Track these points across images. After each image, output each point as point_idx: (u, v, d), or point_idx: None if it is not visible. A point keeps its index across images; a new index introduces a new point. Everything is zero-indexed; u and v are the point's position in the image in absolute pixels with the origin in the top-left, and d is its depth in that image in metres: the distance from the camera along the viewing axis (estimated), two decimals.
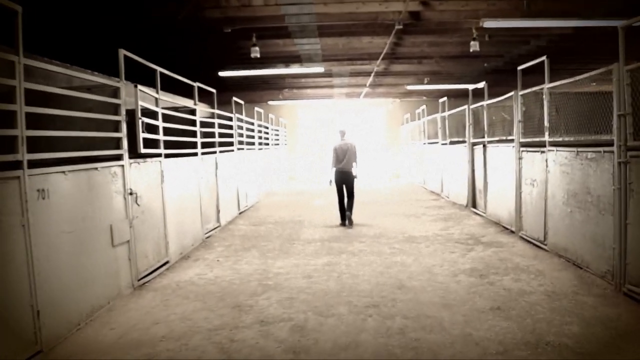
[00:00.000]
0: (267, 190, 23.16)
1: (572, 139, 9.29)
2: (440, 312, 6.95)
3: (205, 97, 14.55)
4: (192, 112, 12.14)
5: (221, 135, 14.85)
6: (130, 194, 8.20)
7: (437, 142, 21.18)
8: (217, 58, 16.89)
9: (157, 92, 9.70)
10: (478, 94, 16.37)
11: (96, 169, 7.30)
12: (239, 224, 14.71)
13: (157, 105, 9.66)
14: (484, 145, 14.67)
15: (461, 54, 16.76)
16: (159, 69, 9.74)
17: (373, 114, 35.32)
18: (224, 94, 17.28)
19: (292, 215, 16.18)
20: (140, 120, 8.45)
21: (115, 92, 8.04)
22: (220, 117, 15.35)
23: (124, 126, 8.09)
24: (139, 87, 8.66)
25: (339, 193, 14.33)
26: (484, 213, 14.71)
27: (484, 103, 14.51)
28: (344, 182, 14.24)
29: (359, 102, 33.06)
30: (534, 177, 10.95)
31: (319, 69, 18.04)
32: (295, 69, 18.30)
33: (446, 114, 19.33)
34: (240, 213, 16.56)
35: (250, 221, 15.23)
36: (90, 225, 7.05)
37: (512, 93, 12.08)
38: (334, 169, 14.21)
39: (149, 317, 7.07)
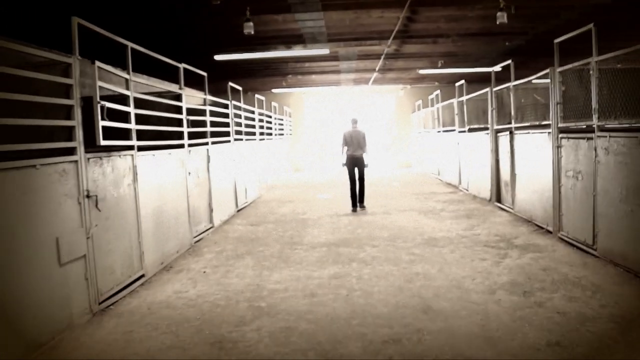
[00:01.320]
0: (270, 183, 21.53)
1: (630, 122, 7.64)
2: (483, 350, 5.28)
3: (201, 84, 12.91)
4: (177, 97, 10.51)
5: (215, 124, 13.24)
6: (88, 196, 6.56)
7: (453, 130, 19.49)
8: (211, 39, 15.23)
9: (128, 73, 8.04)
10: (499, 78, 14.70)
11: (34, 166, 5.64)
12: (235, 224, 13.08)
13: (127, 88, 8.00)
14: (511, 132, 13.00)
15: (481, 31, 15.05)
16: (131, 44, 8.09)
17: (382, 101, 33.76)
18: (223, 82, 15.59)
19: (296, 212, 14.56)
20: (99, 105, 6.78)
21: (66, 70, 6.40)
22: (214, 104, 13.76)
23: (77, 112, 6.44)
24: (99, 64, 6.99)
25: (351, 178, 14.78)
26: (512, 209, 13.05)
27: (511, 84, 12.81)
28: (356, 166, 14.71)
29: (367, 89, 31.38)
30: (577, 169, 9.27)
31: (324, 51, 16.34)
32: (298, 52, 16.61)
33: (464, 98, 17.61)
34: (238, 211, 14.95)
35: (249, 220, 13.61)
36: (23, 241, 5.40)
37: (547, 70, 10.40)
38: (347, 155, 14.68)
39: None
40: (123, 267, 7.50)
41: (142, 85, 9.27)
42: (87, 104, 6.77)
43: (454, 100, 19.18)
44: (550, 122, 10.37)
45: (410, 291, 7.25)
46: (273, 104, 24.23)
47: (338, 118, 32.98)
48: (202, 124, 12.12)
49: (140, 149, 8.35)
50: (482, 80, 17.93)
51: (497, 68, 14.98)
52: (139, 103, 8.58)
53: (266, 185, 20.49)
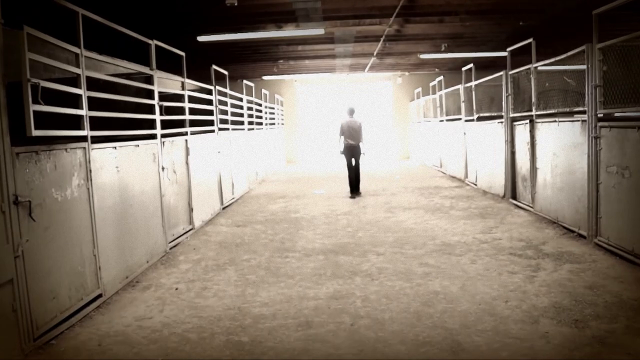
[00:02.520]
0: (261, 177, 20.01)
1: None
2: None
3: (189, 71, 11.36)
4: (149, 80, 8.98)
5: (196, 112, 11.72)
6: (16, 202, 5.03)
7: (459, 119, 17.98)
8: (193, 17, 13.66)
9: (79, 47, 6.49)
10: (505, 65, 13.22)
11: None
12: (219, 225, 11.57)
13: (78, 65, 6.46)
14: (531, 121, 11.50)
15: (494, 8, 13.58)
16: (83, 11, 6.55)
17: (379, 89, 32.31)
18: (209, 68, 13.98)
19: (288, 210, 13.05)
20: (29, 84, 5.23)
21: None
22: (197, 90, 12.27)
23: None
24: (30, 31, 5.42)
25: (349, 166, 15.32)
26: (531, 207, 11.58)
27: (533, 66, 11.30)
28: (353, 155, 15.25)
29: (363, 77, 29.89)
30: (623, 164, 7.77)
31: (318, 31, 14.75)
32: (289, 32, 15.04)
33: (473, 83, 16.08)
34: (223, 208, 13.43)
35: (235, 219, 12.09)
36: None
37: (583, 47, 8.89)
38: (344, 144, 15.21)
39: None
40: (72, 289, 5.97)
41: (105, 66, 7.77)
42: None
43: (460, 87, 17.66)
44: (585, 108, 8.88)
45: (431, 319, 5.76)
46: (263, 91, 22.63)
47: (333, 107, 31.63)
48: (180, 111, 10.61)
49: (97, 140, 6.82)
50: (485, 67, 16.48)
51: (511, 48, 13.38)
52: (99, 86, 7.09)
53: (256, 179, 18.97)
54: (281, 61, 22.19)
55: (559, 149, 10.12)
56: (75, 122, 6.37)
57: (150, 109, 8.90)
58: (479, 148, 15.63)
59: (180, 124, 10.57)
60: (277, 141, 25.96)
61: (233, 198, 14.60)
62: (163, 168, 9.16)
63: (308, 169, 25.46)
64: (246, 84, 18.23)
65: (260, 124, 20.77)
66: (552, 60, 10.35)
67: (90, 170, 6.48)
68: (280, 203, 14.31)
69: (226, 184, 13.90)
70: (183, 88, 10.75)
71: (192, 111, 11.37)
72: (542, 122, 10.96)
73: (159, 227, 8.85)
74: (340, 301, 6.39)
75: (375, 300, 6.40)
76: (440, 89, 21.05)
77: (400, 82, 30.04)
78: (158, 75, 9.22)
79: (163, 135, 9.29)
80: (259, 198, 15.45)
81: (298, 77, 29.65)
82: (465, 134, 17.17)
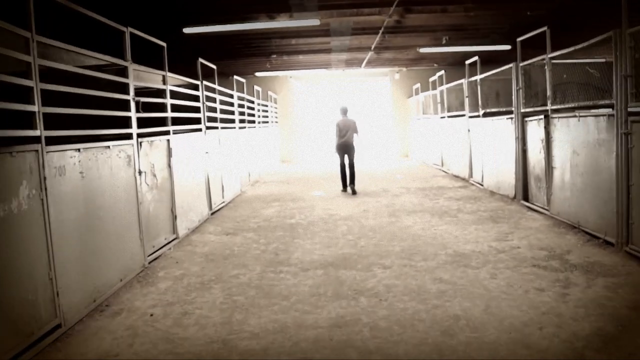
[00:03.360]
0: (254, 178, 18.96)
1: None
2: None
3: (176, 67, 10.32)
4: (122, 72, 7.95)
5: (181, 109, 10.71)
6: None
7: (462, 115, 16.97)
8: (179, 7, 12.65)
9: (31, 31, 5.44)
10: (503, 60, 12.17)
11: None
12: (206, 233, 10.55)
13: (30, 53, 5.42)
14: (546, 116, 10.51)
15: None
16: None
17: (376, 85, 31.38)
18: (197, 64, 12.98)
19: (283, 215, 12.03)
20: None
21: None
22: (179, 84, 11.29)
23: None
24: None
25: (341, 163, 15.51)
26: (546, 210, 10.61)
27: (548, 56, 10.30)
28: (346, 152, 15.38)
29: (360, 73, 28.85)
30: None
31: (313, 21, 13.72)
32: (282, 22, 14.01)
33: (478, 77, 15.07)
34: (212, 213, 12.40)
35: (224, 227, 11.07)
36: None
37: (609, 33, 7.90)
38: (338, 142, 15.35)
39: None
40: (20, 322, 4.95)
41: (74, 57, 6.78)
42: None
43: (464, 81, 16.65)
44: (612, 101, 7.89)
45: (455, 354, 4.76)
46: (256, 88, 21.56)
47: (329, 104, 30.72)
48: (162, 108, 9.60)
49: (55, 141, 5.80)
50: (486, 62, 15.47)
51: (523, 38, 12.31)
52: (65, 79, 6.10)
53: (249, 180, 17.93)
54: (274, 56, 21.12)
55: (580, 147, 9.13)
56: (27, 120, 5.35)
57: (124, 106, 7.87)
58: (485, 146, 14.62)
59: (162, 122, 9.56)
60: (272, 140, 24.92)
61: (223, 202, 13.58)
62: (140, 172, 8.14)
63: (304, 168, 24.43)
64: (237, 80, 17.18)
65: (253, 122, 19.72)
66: (571, 49, 9.35)
67: (45, 178, 5.44)
68: (274, 207, 13.29)
69: (215, 187, 12.88)
70: (164, 82, 9.72)
71: (176, 108, 10.37)
72: (560, 117, 9.96)
73: (135, 240, 7.83)
74: (345, 330, 5.38)
75: (386, 328, 5.38)
76: (441, 84, 20.00)
77: (398, 77, 29.02)
78: (134, 67, 8.19)
79: (140, 135, 8.28)
80: (252, 201, 14.43)
81: (293, 74, 28.55)
82: (469, 131, 16.16)
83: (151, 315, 6.07)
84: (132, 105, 7.98)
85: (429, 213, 11.51)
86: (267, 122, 23.57)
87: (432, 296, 6.25)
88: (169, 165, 9.56)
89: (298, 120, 30.78)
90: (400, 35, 17.57)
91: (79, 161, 6.26)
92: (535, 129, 11.16)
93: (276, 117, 27.63)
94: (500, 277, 6.85)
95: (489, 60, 15.11)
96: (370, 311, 5.87)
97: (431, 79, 22.34)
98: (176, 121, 10.34)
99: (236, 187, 15.51)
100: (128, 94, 7.92)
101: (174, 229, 9.65)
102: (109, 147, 7.15)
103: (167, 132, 9.60)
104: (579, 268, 7.12)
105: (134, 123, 8.01)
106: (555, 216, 10.16)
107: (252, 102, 19.87)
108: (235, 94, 16.37)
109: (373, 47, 19.73)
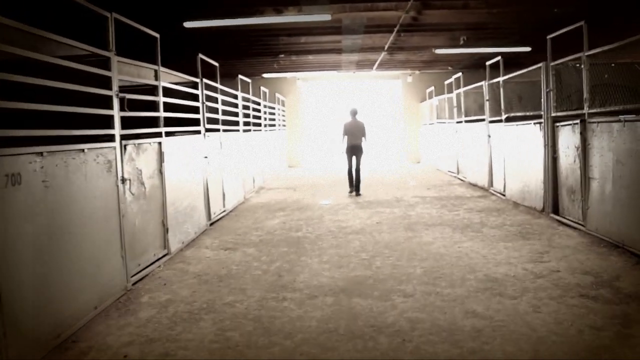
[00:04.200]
0: (259, 184, 17.86)
1: None
2: None
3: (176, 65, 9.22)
4: (104, 64, 6.88)
5: (177, 109, 9.64)
6: None
7: (482, 119, 15.85)
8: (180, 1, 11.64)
9: None
10: (521, 63, 11.07)
11: None
12: (202, 247, 9.46)
13: None
14: (583, 121, 9.40)
15: None
16: None
17: (388, 89, 30.38)
18: (203, 65, 11.89)
19: (288, 227, 10.95)
20: None
21: None
22: (177, 82, 10.23)
23: None
24: None
25: (350, 164, 15.81)
26: (582, 225, 9.49)
27: (585, 54, 9.20)
28: (354, 154, 15.70)
29: (371, 75, 27.79)
30: None
31: (324, 16, 12.62)
32: (291, 17, 12.90)
33: (501, 79, 13.95)
34: (211, 224, 11.32)
35: (223, 240, 9.99)
36: None
37: None
38: (347, 144, 15.68)
39: None
40: None
41: (56, 47, 5.75)
42: None
43: (484, 83, 15.52)
44: None
45: None
46: (262, 89, 20.45)
47: (338, 107, 29.76)
48: (153, 107, 8.53)
49: (6, 143, 4.72)
50: (505, 65, 14.39)
51: (555, 34, 11.16)
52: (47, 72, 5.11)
53: (253, 187, 16.83)
54: (282, 55, 20.00)
55: (626, 156, 8.02)
56: None
57: (106, 103, 6.79)
58: (508, 153, 13.49)
59: (154, 123, 8.49)
60: (278, 143, 23.82)
61: (224, 211, 12.50)
62: (124, 180, 7.06)
63: (312, 173, 23.33)
64: (242, 80, 16.06)
65: (259, 124, 18.62)
66: (615, 45, 8.25)
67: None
68: (279, 217, 12.20)
69: (215, 195, 11.79)
70: (157, 78, 8.63)
71: (172, 108, 9.30)
72: (599, 121, 8.85)
73: (116, 259, 6.74)
74: None
75: None
76: (458, 87, 18.85)
77: (411, 80, 27.91)
78: (119, 60, 7.12)
79: (125, 137, 7.20)
80: (255, 210, 13.34)
81: (301, 75, 27.48)
82: (490, 136, 15.03)
83: (125, 356, 4.98)
84: (116, 102, 6.91)
85: (450, 227, 10.41)
86: (274, 125, 22.47)
87: (466, 336, 5.14)
88: (161, 172, 8.48)
89: (306, 123, 29.73)
90: (416, 34, 16.47)
91: (42, 167, 5.17)
92: (568, 135, 10.05)
93: (284, 120, 26.56)
94: (544, 311, 5.74)
95: (507, 63, 14.03)
96: (392, 356, 4.77)
97: (447, 82, 21.20)
98: (171, 122, 9.28)
99: (239, 194, 14.43)
100: (110, 89, 6.84)
101: (165, 244, 8.57)
102: (83, 150, 6.07)
103: (159, 134, 8.53)
104: (635, 299, 6.02)
105: (117, 123, 6.93)
106: (592, 233, 9.04)
107: (258, 103, 18.78)
108: (240, 94, 15.31)
109: (386, 47, 18.61)
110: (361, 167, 15.79)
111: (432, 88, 24.55)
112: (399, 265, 7.80)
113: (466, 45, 17.84)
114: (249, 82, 17.02)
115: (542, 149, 11.16)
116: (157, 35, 8.64)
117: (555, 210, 10.80)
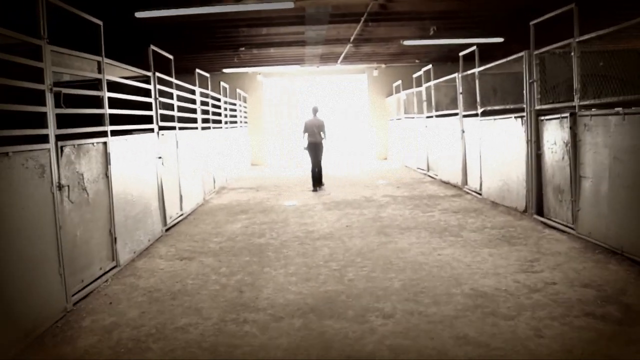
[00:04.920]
0: (220, 184, 16.92)
1: None
2: None
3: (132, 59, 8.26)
4: (35, 54, 5.95)
5: (124, 105, 8.73)
6: None
7: (455, 114, 15.09)
8: None
9: None
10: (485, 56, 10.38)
11: None
12: (156, 256, 8.55)
13: None
14: (572, 114, 8.64)
15: None
16: None
17: (353, 82, 29.68)
18: (157, 59, 10.95)
19: (251, 232, 10.08)
20: None
21: None
22: (128, 77, 9.34)
23: None
24: None
25: (312, 161, 16.16)
26: (572, 228, 8.77)
27: (576, 40, 8.44)
28: (315, 151, 16.07)
29: (335, 70, 26.99)
30: None
31: (286, 4, 11.71)
32: (251, 6, 11.99)
33: (477, 70, 13.19)
34: (167, 229, 10.41)
35: (179, 248, 9.09)
36: None
37: None
38: (308, 141, 16.10)
39: None
40: None
41: None
42: None
43: (457, 75, 14.78)
44: None
45: None
46: (223, 84, 19.47)
47: (301, 104, 29.04)
48: (97, 103, 7.60)
49: None
50: (472, 59, 13.71)
51: (539, 20, 10.35)
52: None
53: (214, 187, 15.89)
54: (242, 49, 18.98)
55: (626, 153, 7.29)
56: None
57: (38, 98, 5.87)
58: (485, 149, 12.75)
59: (99, 121, 7.58)
60: (240, 141, 22.84)
61: (182, 214, 11.59)
62: (61, 186, 6.14)
63: (276, 172, 22.47)
64: (200, 74, 15.12)
65: (219, 121, 17.67)
66: (613, 29, 7.51)
67: None
68: (241, 220, 11.32)
69: (171, 198, 10.87)
70: (100, 71, 7.70)
71: (120, 104, 8.39)
72: (593, 114, 8.10)
73: (52, 276, 5.82)
74: None
75: None
76: (428, 80, 18.07)
77: (377, 74, 27.13)
78: (53, 49, 6.20)
79: (62, 137, 6.28)
80: (216, 213, 12.44)
81: (263, 70, 26.52)
82: (464, 132, 14.30)
83: None
84: (49, 97, 5.98)
85: (426, 230, 9.63)
86: (235, 122, 21.50)
87: None
88: (107, 175, 7.57)
89: (269, 120, 28.84)
90: (383, 24, 15.66)
91: None
92: (555, 129, 9.29)
93: (246, 117, 25.55)
94: (548, 335, 4.95)
95: (479, 56, 13.34)
96: None
97: (415, 75, 20.42)
98: (121, 120, 8.37)
99: (198, 195, 13.51)
100: (43, 82, 5.92)
101: (114, 255, 7.65)
102: (7, 154, 5.14)
103: (104, 134, 7.61)
104: None
105: (51, 121, 6.00)
106: (584, 237, 8.30)
107: (218, 99, 17.83)
108: (198, 89, 14.38)
109: (352, 38, 17.78)
110: (322, 163, 16.25)
111: (400, 82, 23.78)
112: (374, 277, 6.98)
113: (436, 36, 17.08)
114: (207, 77, 16.07)
115: (524, 144, 10.43)
116: (99, 22, 7.68)
117: (540, 211, 10.08)
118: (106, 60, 7.73)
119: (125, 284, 7.14)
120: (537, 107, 9.97)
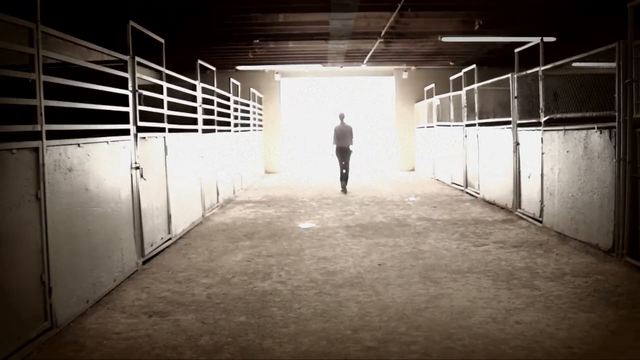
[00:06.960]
0: (226, 196, 14.55)
1: None
2: None
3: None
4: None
5: (84, 98, 6.38)
6: None
7: (505, 122, 12.59)
8: None
9: None
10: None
11: None
12: (117, 309, 6.13)
13: None
14: None
15: None
16: None
17: (379, 86, 27.62)
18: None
19: (253, 270, 7.69)
20: None
21: None
22: (102, 62, 7.09)
23: None
24: None
25: (340, 165, 17.04)
26: None
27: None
28: (342, 156, 16.97)
29: (359, 71, 24.68)
30: None
31: None
32: None
33: (540, 69, 10.71)
34: (145, 261, 8.02)
35: (153, 294, 6.68)
36: None
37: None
38: (335, 146, 17.04)
39: None
40: None
41: None
42: None
43: (511, 76, 12.27)
44: None
45: None
46: (233, 80, 17.01)
47: (323, 107, 26.95)
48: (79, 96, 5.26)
49: None
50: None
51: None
52: None
53: (217, 201, 13.48)
54: (257, 41, 16.51)
55: None
56: None
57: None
58: (548, 167, 10.26)
59: (29, 117, 5.21)
60: (253, 147, 20.41)
61: (169, 239, 9.22)
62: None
63: (292, 182, 20.11)
64: (201, 65, 12.70)
65: (227, 123, 15.29)
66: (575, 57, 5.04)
67: None
68: (243, 250, 8.93)
69: (153, 219, 8.48)
70: (33, 44, 5.30)
71: (88, 97, 6.06)
72: None
73: None
74: None
75: None
76: (470, 83, 15.60)
77: (406, 76, 24.71)
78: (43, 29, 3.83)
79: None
80: (213, 236, 10.06)
81: (281, 69, 24.18)
82: (518, 144, 11.79)
83: None
84: (38, 89, 3.64)
85: (487, 276, 7.17)
86: (247, 125, 19.10)
87: None
88: (37, 197, 5.18)
89: (287, 124, 26.54)
90: (422, 14, 13.24)
91: None
92: None
93: (260, 120, 23.17)
94: None
95: (525, 57, 11.10)
96: None
97: (453, 77, 18.02)
98: (83, 118, 6.04)
99: (195, 212, 11.15)
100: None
101: (47, 314, 5.26)
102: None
103: (37, 136, 5.23)
104: None
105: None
106: None
107: (227, 98, 15.47)
108: (199, 85, 12.02)
109: (383, 32, 15.33)
110: (350, 167, 17.26)
111: (433, 85, 21.32)
112: (416, 339, 4.58)
113: (480, 32, 14.66)
114: (213, 70, 13.69)
115: (612, 164, 7.96)
116: None
117: (634, 252, 7.57)
118: (41, 27, 5.29)
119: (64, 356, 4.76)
120: (636, 116, 7.48)
